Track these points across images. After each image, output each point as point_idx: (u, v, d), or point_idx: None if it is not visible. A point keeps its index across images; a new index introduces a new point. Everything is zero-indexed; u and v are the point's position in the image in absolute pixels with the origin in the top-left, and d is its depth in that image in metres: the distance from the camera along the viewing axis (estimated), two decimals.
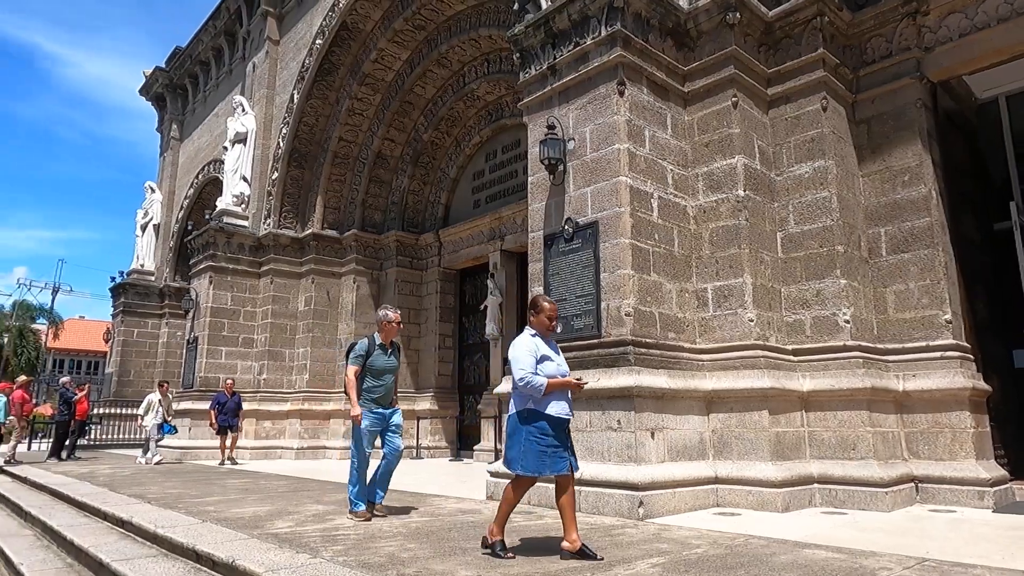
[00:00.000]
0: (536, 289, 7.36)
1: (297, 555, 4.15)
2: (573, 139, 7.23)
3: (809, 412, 6.73)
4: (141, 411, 13.66)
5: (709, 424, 6.67)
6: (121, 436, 20.04)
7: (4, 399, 13.09)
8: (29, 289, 63.80)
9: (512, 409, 4.39)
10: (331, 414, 15.38)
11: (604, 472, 5.99)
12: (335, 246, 16.35)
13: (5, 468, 12.07)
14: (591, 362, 6.44)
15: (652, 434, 6.09)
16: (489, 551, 4.15)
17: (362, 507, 5.88)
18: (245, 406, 15.24)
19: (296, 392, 15.60)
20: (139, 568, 4.46)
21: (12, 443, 13.74)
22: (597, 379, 6.28)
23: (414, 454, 15.00)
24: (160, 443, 13.69)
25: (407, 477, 10.39)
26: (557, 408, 4.26)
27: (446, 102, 15.59)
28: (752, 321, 6.74)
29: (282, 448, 15.15)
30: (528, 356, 4.27)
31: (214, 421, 13.04)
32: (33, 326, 36.78)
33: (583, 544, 4.09)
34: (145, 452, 13.24)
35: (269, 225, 16.32)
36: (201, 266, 16.20)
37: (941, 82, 7.65)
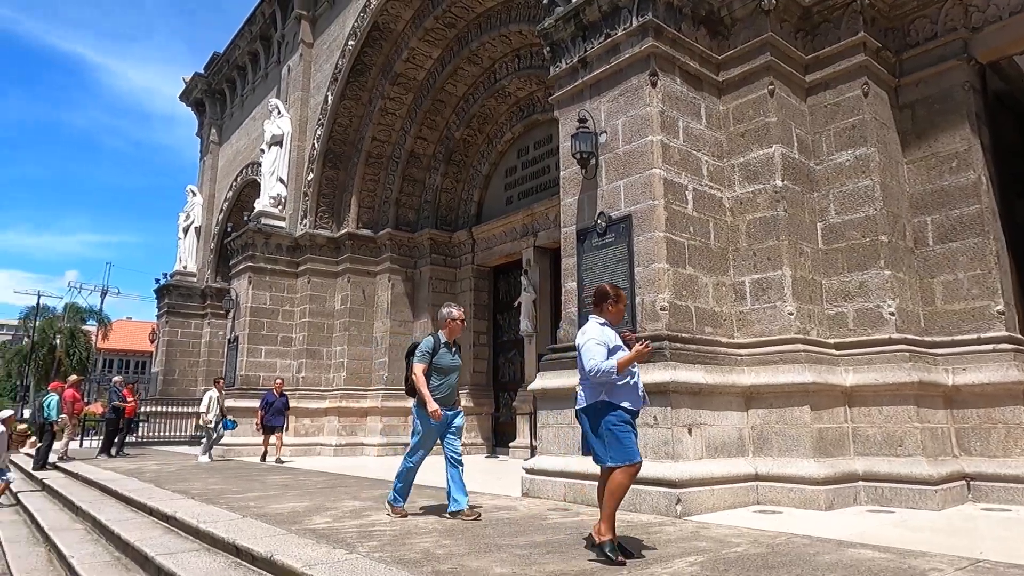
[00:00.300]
0: (569, 284, 7.30)
1: (334, 550, 4.18)
2: (605, 132, 7.14)
3: (853, 407, 6.53)
4: (202, 408, 13.48)
5: (748, 420, 6.52)
6: (167, 433, 20.59)
7: (56, 397, 13.54)
8: (80, 292, 66.08)
9: (582, 402, 4.23)
10: (368, 411, 15.55)
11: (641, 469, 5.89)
12: (370, 245, 16.52)
13: (58, 464, 12.51)
14: None
15: (689, 430, 5.98)
16: (598, 552, 3.88)
17: (401, 504, 5.83)
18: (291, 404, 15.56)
19: (334, 390, 15.82)
20: (182, 562, 4.55)
21: (64, 440, 14.24)
22: None
23: None
24: (221, 440, 13.69)
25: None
26: (630, 401, 4.15)
27: (478, 99, 15.60)
28: (792, 314, 6.57)
29: (321, 445, 15.38)
30: (599, 347, 4.10)
31: (260, 421, 12.90)
32: (83, 327, 38.09)
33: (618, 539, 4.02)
34: (206, 450, 13.27)
35: (305, 225, 16.57)
36: (241, 267, 16.54)
37: (990, 63, 7.34)
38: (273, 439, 13.08)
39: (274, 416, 12.98)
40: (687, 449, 5.91)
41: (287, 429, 13.82)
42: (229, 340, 16.80)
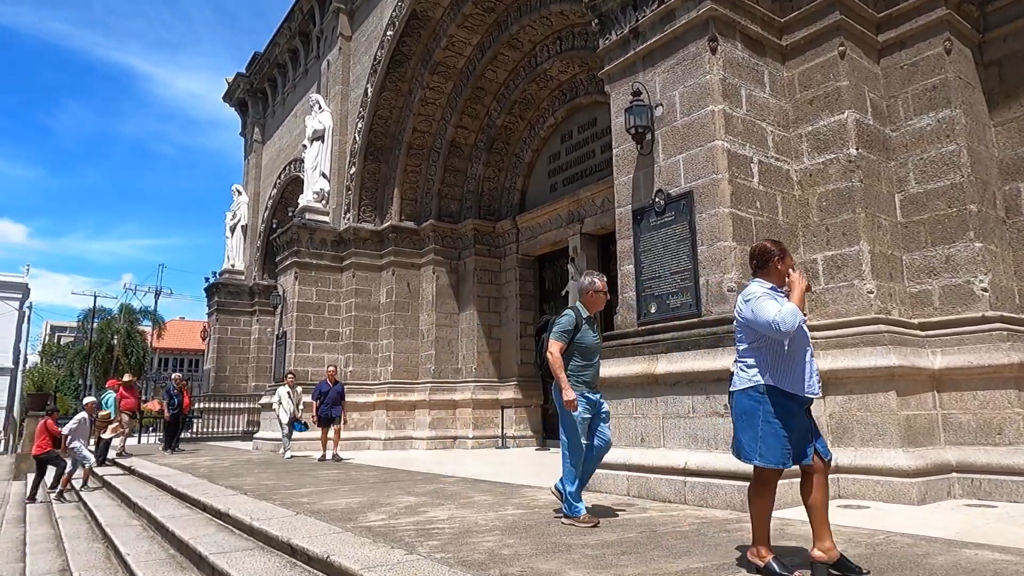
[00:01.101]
0: (626, 267, 6.92)
1: (392, 551, 3.94)
2: (661, 105, 6.73)
3: (942, 393, 6.00)
4: (275, 405, 12.89)
5: (826, 408, 6.06)
6: (220, 429, 20.93)
7: (112, 395, 13.80)
8: (135, 293, 68.30)
9: (738, 384, 3.53)
10: (416, 404, 15.43)
11: (711, 461, 5.52)
12: (413, 237, 16.37)
13: (117, 461, 12.72)
14: (691, 343, 5.96)
15: None
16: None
17: (583, 510, 4.75)
18: None
19: (381, 383, 15.75)
20: (236, 562, 4.38)
21: (121, 437, 14.50)
22: (697, 360, 5.81)
23: (499, 443, 14.86)
24: (290, 438, 12.80)
25: (492, 467, 10.21)
26: (802, 383, 3.41)
27: (518, 85, 15.25)
28: (872, 293, 6.07)
29: (370, 439, 15.33)
30: (771, 300, 3.39)
31: (315, 413, 11.96)
32: (139, 328, 39.22)
33: (842, 554, 3.31)
34: (285, 449, 12.70)
35: (349, 219, 16.51)
36: (286, 263, 16.59)
37: None
38: (331, 432, 11.99)
39: (330, 407, 11.95)
40: None
41: (345, 422, 12.64)
42: (277, 336, 16.90)
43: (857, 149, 6.35)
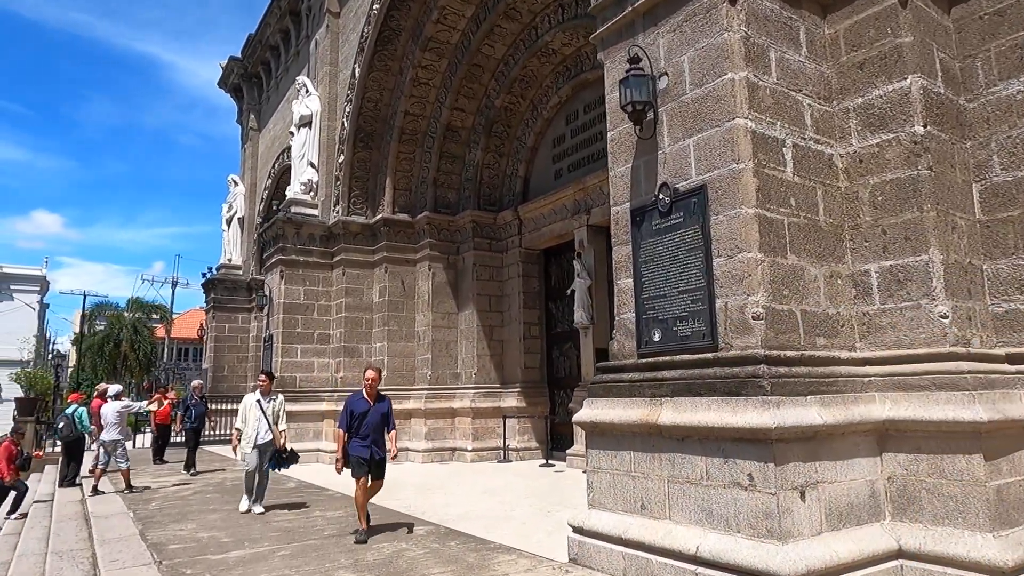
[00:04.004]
0: (623, 282, 5.51)
1: None
2: (666, 74, 5.26)
3: None
4: (238, 422, 8.33)
5: (883, 468, 4.63)
6: (217, 432, 19.96)
7: (84, 409, 12.79)
8: (152, 284, 68.16)
9: None
10: (411, 413, 14.18)
11: (731, 550, 4.13)
12: (407, 231, 15.05)
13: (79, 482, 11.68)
14: (703, 386, 4.56)
15: (802, 494, 4.15)
16: None
17: None
18: (322, 407, 14.40)
19: None
20: None
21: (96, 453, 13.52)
22: (712, 411, 4.41)
23: (501, 456, 13.59)
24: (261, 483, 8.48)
25: (485, 498, 8.94)
26: None
27: (518, 61, 13.75)
28: (946, 317, 4.59)
29: None
30: None
31: (341, 450, 6.54)
32: (148, 323, 38.69)
33: None
34: (251, 500, 8.15)
35: (338, 212, 15.24)
36: (272, 260, 15.42)
37: None
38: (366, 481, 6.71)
39: (370, 442, 6.50)
40: (800, 522, 4.09)
41: (394, 455, 6.96)
42: (264, 339, 15.80)
43: (925, 126, 4.84)
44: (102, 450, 10.35)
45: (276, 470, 8.35)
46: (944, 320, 4.60)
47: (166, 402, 14.76)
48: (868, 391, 4.73)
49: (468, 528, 6.83)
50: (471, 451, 13.65)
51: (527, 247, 14.32)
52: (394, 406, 14.15)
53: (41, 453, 12.07)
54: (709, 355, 4.65)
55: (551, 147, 14.12)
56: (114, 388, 12.25)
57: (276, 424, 8.14)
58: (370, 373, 6.81)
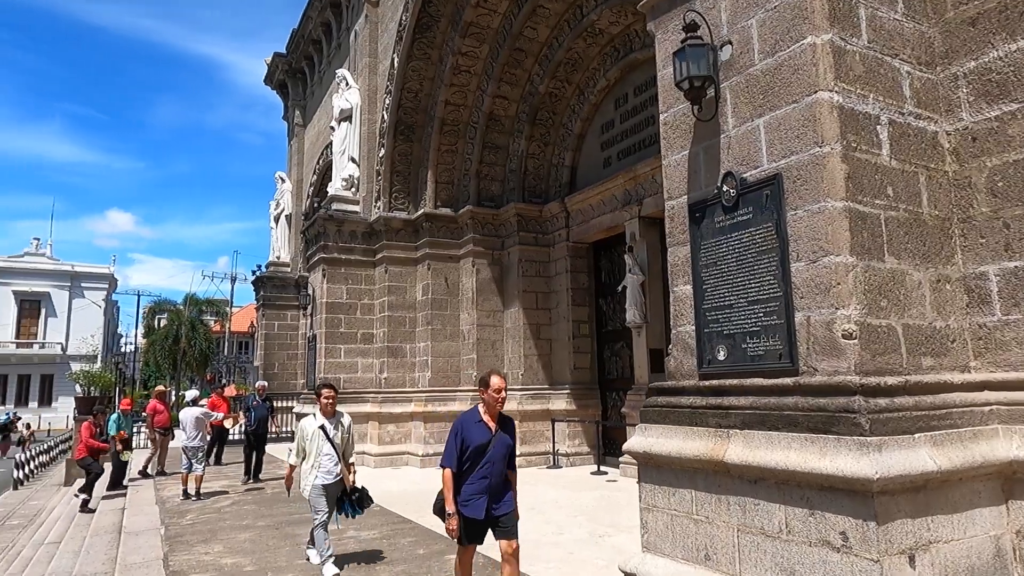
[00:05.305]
0: (681, 288, 4.73)
1: None
2: (729, 43, 4.44)
3: None
4: (291, 452, 6.55)
5: (1010, 520, 3.74)
6: (269, 430, 19.98)
7: (113, 416, 12.81)
8: (212, 279, 70.22)
9: None
10: (457, 416, 13.65)
11: None
12: (450, 226, 14.51)
13: (128, 484, 11.62)
14: (782, 419, 3.76)
15: (911, 558, 3.33)
16: None
17: None
18: (367, 408, 14.01)
19: (419, 392, 14.10)
20: None
21: (148, 457, 13.54)
22: (792, 450, 3.62)
23: (551, 462, 12.95)
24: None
25: (534, 516, 8.29)
26: None
27: (563, 43, 12.96)
28: None
29: (408, 454, 13.77)
30: None
31: (454, 515, 4.44)
32: (205, 318, 39.65)
33: None
34: (322, 553, 5.98)
35: (380, 208, 14.81)
36: (314, 258, 15.13)
37: None
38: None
39: (482, 493, 4.50)
40: None
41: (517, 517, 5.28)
42: (308, 339, 15.55)
43: None
44: (184, 455, 10.36)
45: (350, 516, 6.22)
46: None
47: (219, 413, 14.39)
48: (989, 423, 3.84)
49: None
50: (519, 456, 13.01)
51: (575, 241, 13.55)
52: (438, 408, 14.14)
53: (125, 434, 12.24)
54: (788, 380, 3.84)
55: (599, 134, 13.29)
56: (191, 393, 12.21)
57: (343, 450, 6.10)
58: (496, 381, 4.41)
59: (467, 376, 13.93)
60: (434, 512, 4.63)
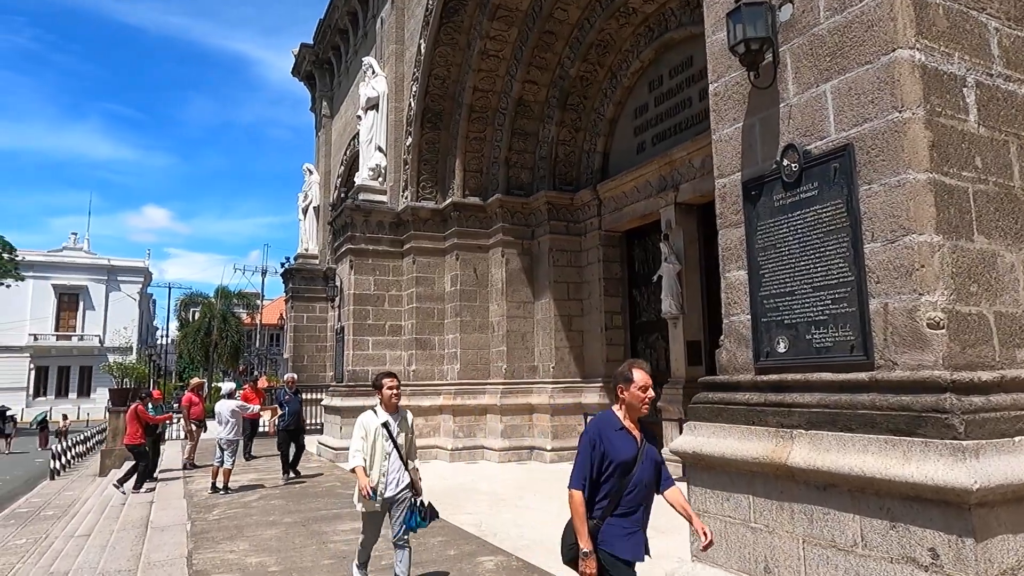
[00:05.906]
0: (734, 274, 4.32)
1: None
2: (791, 1, 4.00)
3: None
4: (353, 453, 5.25)
5: None
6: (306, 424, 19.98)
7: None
8: (244, 273, 71.08)
9: None
10: (487, 409, 13.39)
11: None
12: (479, 215, 14.16)
13: (159, 477, 11.57)
14: (855, 420, 3.35)
15: None
16: None
17: None
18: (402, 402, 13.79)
19: (447, 384, 13.83)
20: None
21: (188, 449, 13.54)
22: (869, 454, 3.21)
23: None
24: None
25: (564, 518, 7.92)
26: None
27: (594, 24, 12.49)
28: None
29: (437, 448, 13.51)
30: None
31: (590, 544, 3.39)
32: (237, 311, 40.09)
33: None
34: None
35: (407, 198, 14.53)
36: (341, 250, 14.93)
37: None
38: None
39: (634, 527, 3.29)
40: None
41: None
42: (336, 331, 15.39)
43: None
44: (218, 448, 10.28)
45: (413, 529, 5.01)
46: None
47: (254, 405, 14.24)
48: None
49: (544, 562, 5.87)
50: (550, 451, 12.71)
51: (607, 229, 13.11)
52: (467, 401, 13.87)
53: (171, 416, 12.24)
54: (862, 375, 3.42)
55: (632, 118, 12.81)
56: (227, 386, 12.08)
57: (406, 452, 5.03)
58: (641, 376, 3.32)
59: (496, 369, 13.62)
60: (564, 562, 3.41)
